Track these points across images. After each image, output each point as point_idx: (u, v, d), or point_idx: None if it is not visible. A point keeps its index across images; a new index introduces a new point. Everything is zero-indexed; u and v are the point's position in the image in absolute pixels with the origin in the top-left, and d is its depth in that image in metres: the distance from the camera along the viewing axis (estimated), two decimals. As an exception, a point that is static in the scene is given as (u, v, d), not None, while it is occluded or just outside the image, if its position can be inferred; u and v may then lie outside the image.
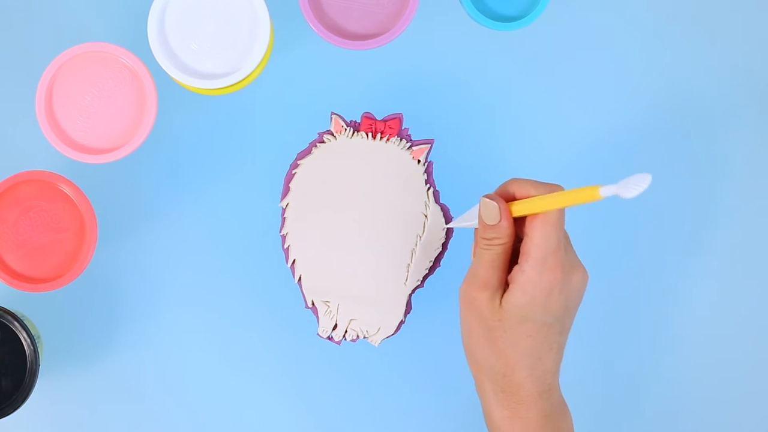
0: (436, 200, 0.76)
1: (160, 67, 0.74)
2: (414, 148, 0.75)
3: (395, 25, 0.76)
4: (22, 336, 0.73)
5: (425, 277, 0.76)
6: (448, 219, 0.76)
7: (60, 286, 0.74)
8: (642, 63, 0.81)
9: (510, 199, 0.67)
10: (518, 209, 0.66)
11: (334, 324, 0.76)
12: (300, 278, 0.76)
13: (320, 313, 0.76)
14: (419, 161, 0.76)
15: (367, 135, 0.76)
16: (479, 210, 0.67)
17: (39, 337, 0.77)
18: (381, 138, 0.76)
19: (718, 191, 0.82)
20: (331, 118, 0.76)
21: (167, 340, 0.80)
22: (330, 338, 0.76)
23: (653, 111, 0.81)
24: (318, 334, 0.76)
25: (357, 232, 0.75)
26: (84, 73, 0.74)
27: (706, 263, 0.81)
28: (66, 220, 0.75)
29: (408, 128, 0.76)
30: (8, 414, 0.73)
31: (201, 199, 0.80)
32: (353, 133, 0.76)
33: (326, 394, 0.80)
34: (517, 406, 0.66)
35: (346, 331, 0.76)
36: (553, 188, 0.66)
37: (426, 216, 0.76)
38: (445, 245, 0.76)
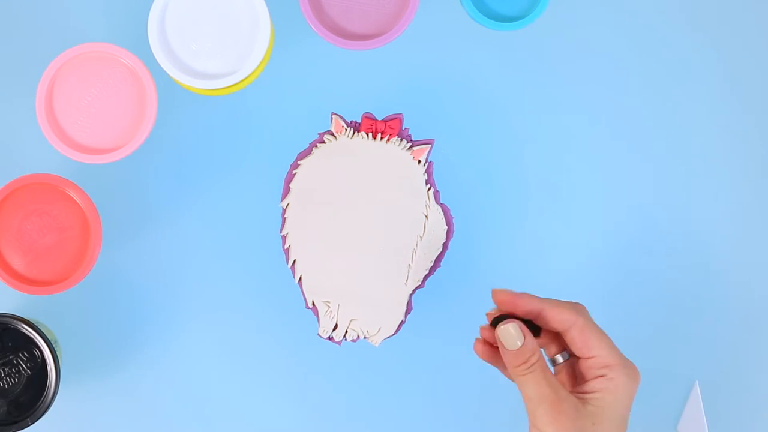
0: (437, 200, 0.76)
1: (160, 67, 0.74)
2: (414, 148, 0.75)
3: (395, 25, 0.76)
4: (40, 343, 0.73)
5: (426, 278, 0.76)
6: (448, 219, 0.76)
7: (70, 286, 0.74)
8: (642, 63, 0.81)
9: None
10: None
11: (334, 324, 0.76)
12: (300, 278, 0.76)
13: (321, 314, 0.76)
14: (419, 161, 0.76)
15: (368, 135, 0.76)
16: (500, 341, 0.66)
17: (56, 341, 0.77)
18: (381, 138, 0.76)
19: (720, 190, 0.82)
20: (332, 118, 0.76)
21: (167, 340, 0.80)
22: (330, 338, 0.76)
23: (653, 110, 0.81)
24: (318, 334, 0.76)
25: (357, 232, 0.75)
26: (84, 74, 0.74)
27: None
28: (69, 219, 0.74)
29: (408, 128, 0.76)
30: (32, 423, 0.73)
31: (201, 199, 0.80)
32: (354, 133, 0.76)
33: (326, 394, 0.80)
34: None
35: (346, 332, 0.76)
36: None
37: (426, 216, 0.76)
38: (445, 245, 0.76)
